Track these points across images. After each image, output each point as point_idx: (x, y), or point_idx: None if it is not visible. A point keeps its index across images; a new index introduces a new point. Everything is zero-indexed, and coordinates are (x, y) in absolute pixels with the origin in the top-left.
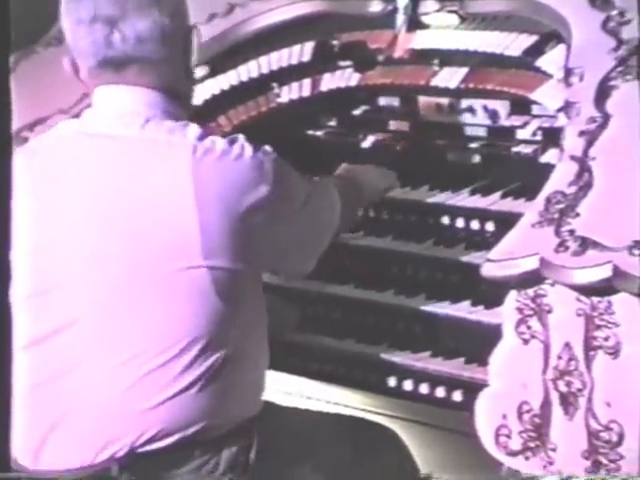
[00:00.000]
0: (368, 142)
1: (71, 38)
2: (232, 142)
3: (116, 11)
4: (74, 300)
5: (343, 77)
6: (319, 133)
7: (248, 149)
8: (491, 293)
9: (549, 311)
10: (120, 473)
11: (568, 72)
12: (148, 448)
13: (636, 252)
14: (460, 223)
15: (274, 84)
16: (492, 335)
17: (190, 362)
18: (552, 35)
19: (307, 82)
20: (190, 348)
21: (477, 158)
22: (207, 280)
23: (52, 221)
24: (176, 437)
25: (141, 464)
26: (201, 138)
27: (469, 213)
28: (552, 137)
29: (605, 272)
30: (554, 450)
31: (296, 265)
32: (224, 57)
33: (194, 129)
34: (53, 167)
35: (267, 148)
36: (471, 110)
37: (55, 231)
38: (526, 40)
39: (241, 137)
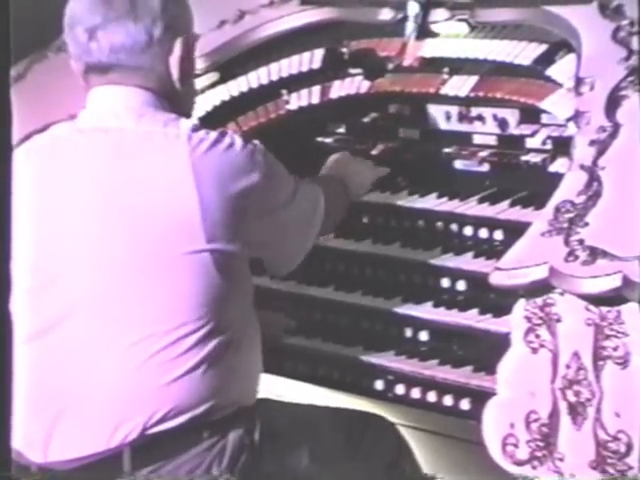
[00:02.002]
0: (377, 150)
1: (66, 40)
2: (223, 134)
3: (97, 20)
4: (76, 291)
5: (353, 85)
6: (328, 140)
7: (238, 139)
8: (500, 302)
9: (558, 320)
10: (132, 457)
11: (578, 81)
12: (159, 428)
13: None
14: (468, 231)
15: (284, 91)
16: (500, 344)
17: (196, 343)
18: (562, 44)
19: (317, 89)
20: (195, 329)
21: (486, 166)
22: (209, 262)
23: (52, 214)
24: (187, 416)
25: (152, 447)
26: (194, 129)
27: (477, 221)
28: (562, 146)
29: (614, 282)
30: (562, 460)
31: (279, 259)
32: (234, 64)
33: (186, 122)
34: (49, 163)
35: (255, 141)
36: (481, 118)
37: (56, 223)
38: (536, 49)
39: (230, 131)
